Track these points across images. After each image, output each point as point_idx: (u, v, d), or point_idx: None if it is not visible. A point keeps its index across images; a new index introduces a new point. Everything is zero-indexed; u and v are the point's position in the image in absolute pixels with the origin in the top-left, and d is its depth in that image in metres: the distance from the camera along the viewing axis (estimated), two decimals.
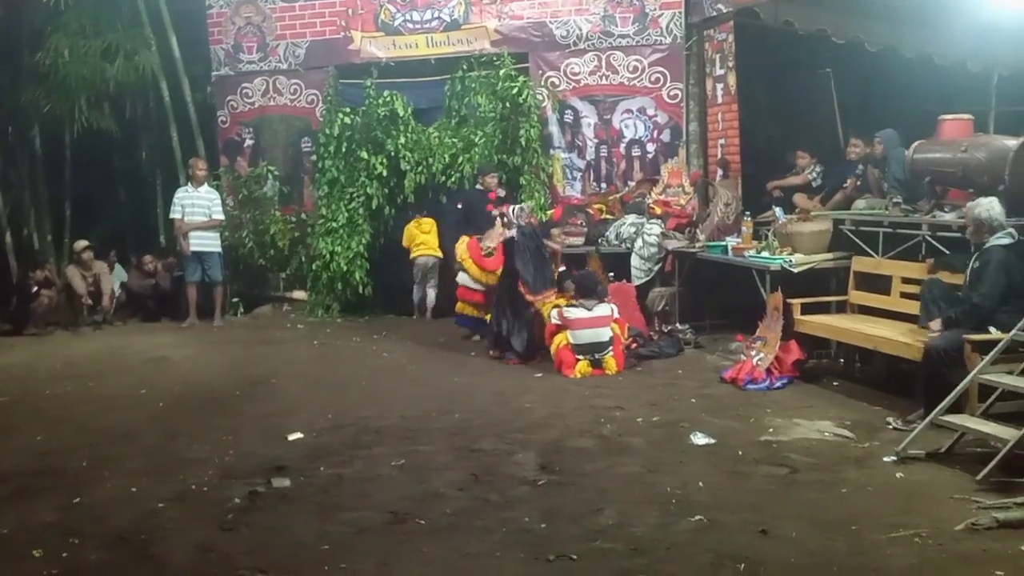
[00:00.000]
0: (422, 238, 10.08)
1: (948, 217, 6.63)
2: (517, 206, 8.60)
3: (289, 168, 11.23)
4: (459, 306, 8.99)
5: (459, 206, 9.47)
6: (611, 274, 8.91)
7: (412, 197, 10.22)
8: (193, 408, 6.69)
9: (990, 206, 5.71)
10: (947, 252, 6.49)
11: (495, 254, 8.50)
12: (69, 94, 10.74)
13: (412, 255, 10.09)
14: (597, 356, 7.40)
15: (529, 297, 7.93)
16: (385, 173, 10.16)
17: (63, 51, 10.64)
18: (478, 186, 9.51)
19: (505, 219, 8.48)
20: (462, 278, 8.86)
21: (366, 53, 10.71)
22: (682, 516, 4.31)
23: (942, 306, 5.84)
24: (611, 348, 7.44)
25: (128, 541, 4.22)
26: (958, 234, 6.41)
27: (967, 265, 5.86)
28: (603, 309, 7.56)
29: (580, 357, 7.39)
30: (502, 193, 9.36)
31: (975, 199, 6.66)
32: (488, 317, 8.50)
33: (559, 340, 7.50)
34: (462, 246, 8.84)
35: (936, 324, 5.71)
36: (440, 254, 10.01)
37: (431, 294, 10.17)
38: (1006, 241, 5.64)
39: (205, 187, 10.41)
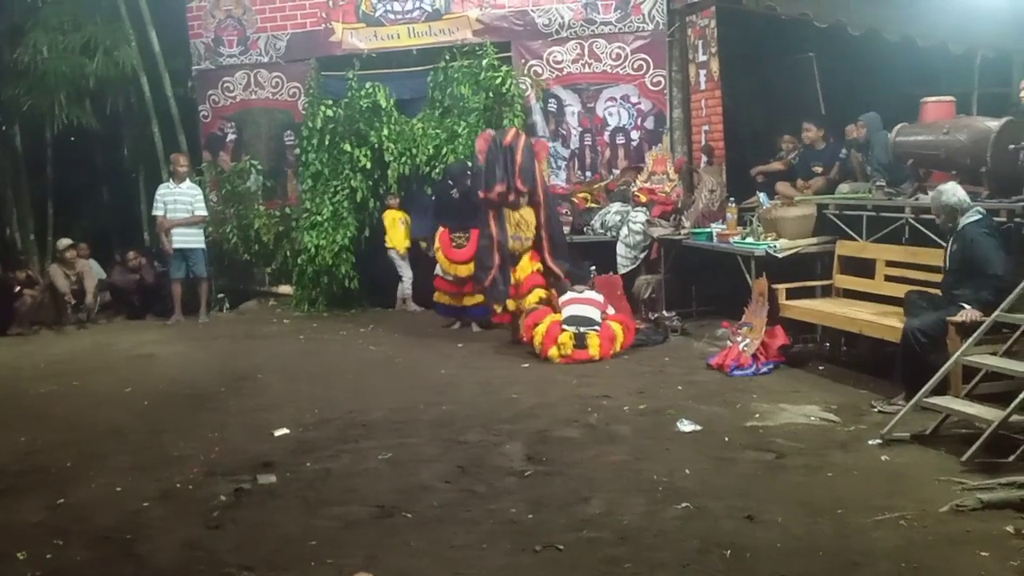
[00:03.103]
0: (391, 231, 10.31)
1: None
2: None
3: (272, 162, 11.18)
4: (436, 295, 9.20)
5: (433, 198, 9.67)
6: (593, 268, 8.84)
7: (396, 188, 10.18)
8: (178, 405, 6.66)
9: (955, 191, 5.75)
10: (930, 234, 6.50)
11: (466, 245, 8.57)
12: (49, 91, 10.67)
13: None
14: (582, 330, 7.43)
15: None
16: (369, 165, 10.11)
17: (42, 47, 10.58)
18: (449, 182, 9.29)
19: None
20: (438, 268, 9.00)
21: (348, 45, 10.65)
22: (669, 503, 4.32)
23: (925, 306, 5.84)
24: (597, 327, 7.49)
25: (113, 540, 4.20)
26: None
27: None
28: (593, 295, 7.84)
29: (565, 328, 7.46)
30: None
31: (956, 181, 6.70)
32: (464, 303, 8.83)
33: (550, 319, 7.62)
34: (436, 238, 8.92)
35: (971, 314, 5.42)
36: (395, 246, 10.25)
37: (400, 287, 10.40)
38: (976, 217, 5.67)
39: (187, 183, 10.34)
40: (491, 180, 7.96)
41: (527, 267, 8.19)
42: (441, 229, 8.86)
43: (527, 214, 8.15)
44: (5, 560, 4.01)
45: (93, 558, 4.03)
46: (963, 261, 5.66)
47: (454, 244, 8.68)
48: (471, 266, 8.44)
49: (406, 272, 10.35)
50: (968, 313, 5.39)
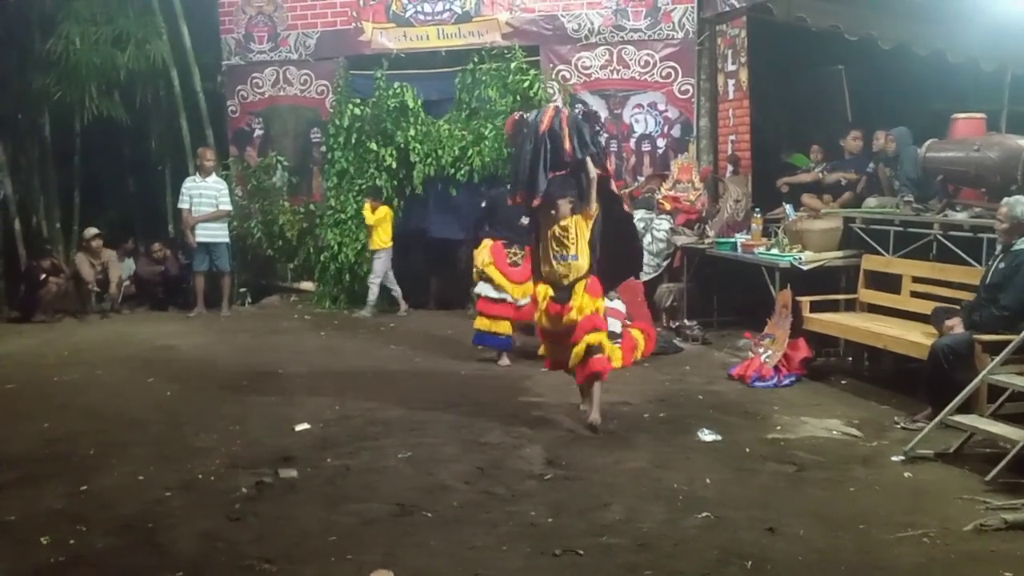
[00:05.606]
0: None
1: (960, 216, 6.59)
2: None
3: (298, 159, 11.24)
4: (479, 321, 7.61)
5: (483, 204, 8.13)
6: None
7: (421, 189, 10.21)
8: (200, 397, 6.70)
9: None
10: (958, 251, 6.45)
11: (521, 264, 7.35)
12: (80, 81, 10.72)
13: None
14: None
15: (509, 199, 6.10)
16: (394, 165, 10.14)
17: (74, 38, 10.63)
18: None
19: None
20: (482, 288, 7.59)
21: (377, 44, 10.69)
22: (689, 512, 4.30)
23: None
24: (619, 340, 7.44)
25: (134, 529, 4.23)
26: (970, 233, 6.39)
27: None
28: (618, 305, 7.67)
29: None
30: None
31: (985, 198, 6.66)
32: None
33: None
34: (484, 251, 7.61)
35: (953, 322, 5.57)
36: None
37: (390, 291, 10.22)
38: None
39: (213, 177, 10.41)
40: (514, 183, 5.84)
41: (585, 304, 5.72)
42: (491, 242, 7.60)
43: (572, 223, 5.67)
44: (29, 544, 4.04)
45: (115, 545, 4.06)
46: (1004, 281, 5.53)
47: (509, 261, 7.50)
48: (529, 287, 6.81)
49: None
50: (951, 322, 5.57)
